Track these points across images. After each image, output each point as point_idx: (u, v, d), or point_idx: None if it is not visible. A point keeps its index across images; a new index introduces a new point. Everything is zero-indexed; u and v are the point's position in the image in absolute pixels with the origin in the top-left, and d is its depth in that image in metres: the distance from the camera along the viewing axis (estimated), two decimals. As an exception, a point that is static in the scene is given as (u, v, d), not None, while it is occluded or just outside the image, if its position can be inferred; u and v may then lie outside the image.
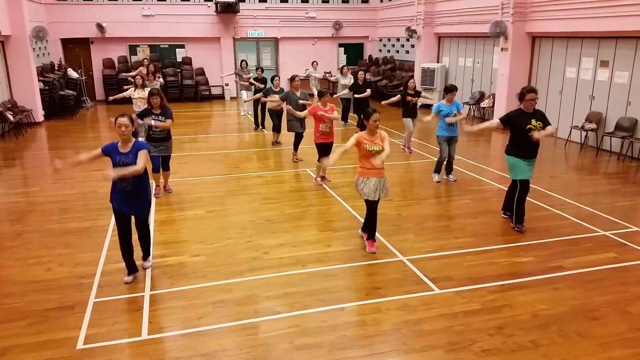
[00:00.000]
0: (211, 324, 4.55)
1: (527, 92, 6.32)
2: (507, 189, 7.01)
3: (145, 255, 5.68)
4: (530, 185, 6.72)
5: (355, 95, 12.74)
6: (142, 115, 7.59)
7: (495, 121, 6.78)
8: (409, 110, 10.70)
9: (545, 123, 6.36)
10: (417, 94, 10.73)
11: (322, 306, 4.83)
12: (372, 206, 5.90)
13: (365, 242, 6.12)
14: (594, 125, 11.27)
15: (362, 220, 6.95)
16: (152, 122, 7.38)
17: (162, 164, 7.96)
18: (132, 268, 5.37)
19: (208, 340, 4.31)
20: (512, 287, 5.17)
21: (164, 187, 8.27)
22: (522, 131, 6.31)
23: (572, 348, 4.18)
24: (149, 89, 10.27)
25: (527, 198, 6.67)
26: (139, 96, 10.31)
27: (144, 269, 5.58)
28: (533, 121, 6.28)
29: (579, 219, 7.05)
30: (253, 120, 14.14)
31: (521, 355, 4.10)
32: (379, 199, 5.88)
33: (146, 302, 4.93)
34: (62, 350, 4.18)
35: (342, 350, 4.17)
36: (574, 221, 7.00)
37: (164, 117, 7.54)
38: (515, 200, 6.60)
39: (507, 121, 6.48)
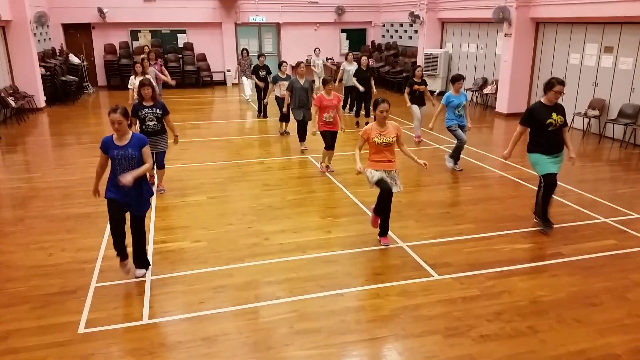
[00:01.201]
0: (212, 308, 4.59)
1: (557, 84, 5.83)
2: (537, 187, 6.47)
3: (139, 262, 5.15)
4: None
5: (356, 85, 12.37)
6: (134, 110, 7.04)
7: (517, 131, 6.16)
8: (416, 98, 10.53)
9: (565, 120, 5.99)
10: (424, 83, 10.56)
11: (322, 291, 4.86)
12: (386, 196, 5.64)
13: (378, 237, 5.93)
14: (597, 112, 11.21)
15: (363, 207, 6.97)
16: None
17: (156, 161, 7.31)
18: (123, 252, 4.93)
19: (209, 325, 4.35)
20: (511, 274, 5.19)
21: (157, 187, 7.69)
22: (542, 126, 5.88)
23: (570, 334, 4.21)
24: (148, 76, 10.24)
25: (524, 183, 6.60)
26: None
27: (136, 277, 5.10)
28: (554, 115, 5.86)
29: (580, 206, 7.05)
30: (257, 107, 14.02)
31: (519, 341, 4.12)
32: (393, 192, 5.65)
33: (147, 287, 4.96)
34: (64, 334, 4.23)
35: (341, 334, 4.21)
36: (575, 208, 7.00)
37: (157, 109, 7.15)
38: (541, 198, 6.18)
39: (528, 118, 6.00)
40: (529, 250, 5.77)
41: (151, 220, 6.56)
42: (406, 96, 10.55)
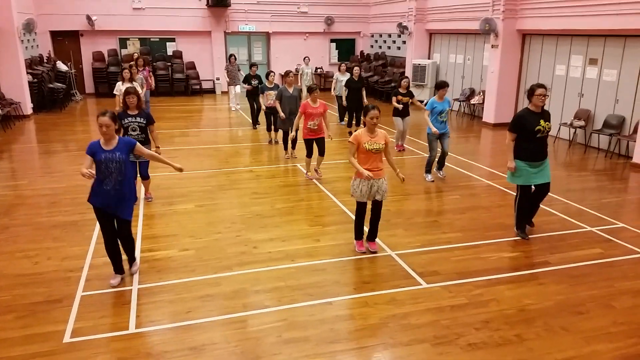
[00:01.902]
0: (199, 317, 4.56)
1: (537, 88, 5.93)
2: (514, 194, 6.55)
3: (131, 260, 5.35)
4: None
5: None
6: (118, 117, 6.66)
7: (509, 139, 6.13)
8: (400, 110, 10.47)
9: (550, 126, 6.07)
10: (410, 94, 10.52)
11: (311, 300, 4.85)
12: (375, 206, 5.74)
13: (367, 245, 5.96)
14: (582, 123, 11.36)
15: (352, 216, 6.95)
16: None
17: (140, 171, 7.22)
18: (119, 269, 5.18)
19: (196, 334, 4.32)
20: (499, 282, 5.23)
21: (145, 195, 7.64)
22: (531, 132, 5.91)
23: (557, 342, 4.23)
24: (137, 83, 10.19)
25: (511, 192, 6.62)
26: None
27: (132, 274, 5.31)
28: (542, 122, 5.95)
29: (567, 215, 7.12)
30: (250, 119, 13.87)
31: (507, 349, 4.14)
32: (380, 200, 5.71)
33: (134, 296, 4.92)
34: (49, 343, 4.17)
35: (329, 343, 4.20)
36: (562, 217, 7.07)
37: (141, 119, 6.99)
38: (515, 205, 6.33)
39: (517, 125, 6.01)
40: (516, 259, 5.82)
41: (138, 229, 6.51)
42: (394, 103, 10.43)
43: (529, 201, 6.28)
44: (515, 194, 6.42)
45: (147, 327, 4.42)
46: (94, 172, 4.78)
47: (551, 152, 11.01)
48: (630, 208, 7.66)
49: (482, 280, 5.26)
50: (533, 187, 6.25)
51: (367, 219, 5.88)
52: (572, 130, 11.66)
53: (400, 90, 10.46)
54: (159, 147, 7.06)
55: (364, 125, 5.67)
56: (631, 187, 8.71)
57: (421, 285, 5.15)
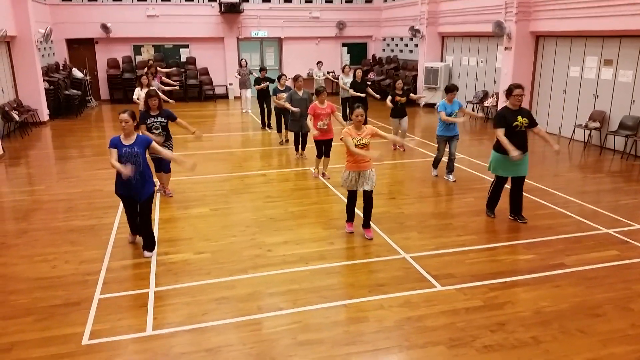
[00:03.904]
0: (215, 320, 4.59)
1: (515, 88, 6.44)
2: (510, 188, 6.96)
3: (148, 245, 5.91)
4: (534, 183, 6.75)
5: (352, 93, 12.77)
6: (141, 119, 7.36)
7: (500, 135, 6.48)
8: (397, 110, 10.73)
9: (532, 121, 6.55)
10: (406, 94, 10.75)
11: (325, 302, 4.86)
12: (365, 195, 6.24)
13: (363, 231, 6.42)
14: (597, 124, 11.25)
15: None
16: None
17: (162, 165, 7.81)
18: (135, 228, 6.10)
19: (212, 336, 4.35)
20: (514, 285, 5.20)
21: (165, 191, 8.11)
22: (510, 127, 6.42)
23: (573, 344, 4.20)
24: (153, 87, 10.36)
25: (526, 194, 6.69)
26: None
27: (145, 257, 5.86)
28: (519, 117, 6.43)
29: (582, 217, 7.06)
30: (260, 120, 14.13)
31: (522, 351, 4.12)
32: (370, 190, 6.19)
33: (151, 298, 4.97)
34: (68, 345, 4.23)
35: (344, 346, 4.21)
36: (577, 219, 7.01)
37: (162, 118, 7.55)
38: (490, 190, 7.01)
39: (502, 120, 6.49)
40: (531, 261, 5.78)
41: (155, 232, 6.58)
42: (388, 103, 10.72)
43: (502, 190, 6.94)
44: (492, 180, 7.06)
45: (164, 329, 4.46)
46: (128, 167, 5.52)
47: (565, 154, 11.01)
48: (648, 210, 7.57)
49: (497, 282, 5.23)
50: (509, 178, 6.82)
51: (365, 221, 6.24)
52: (587, 132, 11.55)
53: (397, 91, 10.71)
54: (194, 132, 7.79)
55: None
56: (648, 189, 8.61)
57: (436, 287, 5.14)
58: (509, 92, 6.51)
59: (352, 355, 4.10)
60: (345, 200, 6.58)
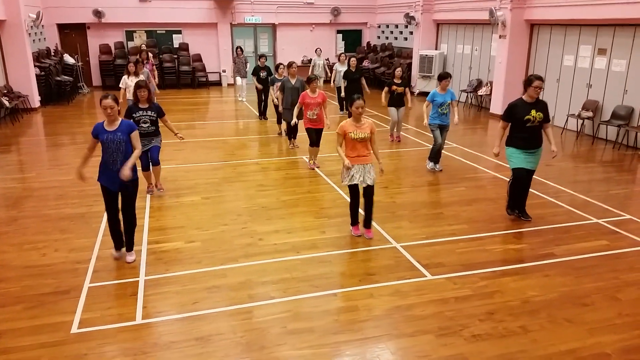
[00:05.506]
0: (206, 308, 4.60)
1: (535, 79, 6.08)
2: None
3: (129, 246, 5.48)
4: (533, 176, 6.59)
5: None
6: (128, 112, 7.03)
7: (499, 126, 6.46)
8: (394, 100, 10.53)
9: (546, 116, 6.20)
10: (405, 84, 10.51)
11: (316, 292, 4.88)
12: (366, 191, 5.90)
13: (364, 231, 6.12)
14: (590, 114, 11.27)
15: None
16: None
17: (151, 157, 7.30)
18: (119, 242, 5.45)
19: (202, 325, 4.36)
20: (504, 274, 5.23)
21: (156, 186, 7.67)
22: (520, 121, 6.14)
23: (560, 334, 4.24)
24: (142, 76, 10.19)
25: (520, 186, 6.62)
26: (132, 84, 10.17)
27: (127, 262, 5.41)
28: (533, 112, 6.10)
29: (573, 207, 7.09)
30: (257, 110, 13.93)
31: (511, 340, 4.15)
32: (372, 185, 5.87)
33: (141, 287, 4.97)
34: (57, 334, 4.23)
35: (334, 334, 4.23)
36: (568, 209, 7.04)
37: (152, 112, 7.08)
38: (508, 188, 6.59)
39: (508, 114, 6.27)
40: (521, 251, 5.81)
41: (145, 221, 6.56)
42: (383, 95, 10.65)
43: (521, 186, 6.50)
44: (508, 179, 6.69)
45: (154, 318, 4.47)
46: (87, 176, 5.30)
47: (558, 144, 10.99)
48: (638, 200, 7.61)
49: (486, 272, 5.26)
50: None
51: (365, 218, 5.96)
52: (580, 121, 11.57)
53: (395, 80, 10.47)
54: (177, 134, 7.31)
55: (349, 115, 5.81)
56: (639, 179, 8.66)
57: (426, 277, 5.17)
58: (528, 83, 6.12)
59: (341, 343, 4.13)
60: (345, 199, 6.40)
